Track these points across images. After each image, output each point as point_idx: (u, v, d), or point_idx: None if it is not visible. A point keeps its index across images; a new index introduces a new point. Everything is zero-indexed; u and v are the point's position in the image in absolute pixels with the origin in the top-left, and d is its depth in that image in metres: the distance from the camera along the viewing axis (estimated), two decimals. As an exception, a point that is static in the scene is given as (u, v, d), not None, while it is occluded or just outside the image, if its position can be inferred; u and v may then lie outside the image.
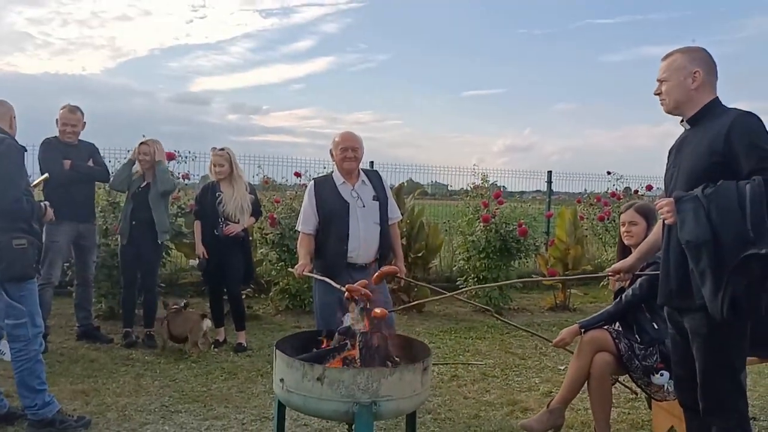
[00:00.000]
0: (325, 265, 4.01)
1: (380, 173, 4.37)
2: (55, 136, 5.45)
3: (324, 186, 4.13)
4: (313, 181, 4.27)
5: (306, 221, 4.11)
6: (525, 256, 7.92)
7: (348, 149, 4.04)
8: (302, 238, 4.14)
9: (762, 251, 2.27)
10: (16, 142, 3.67)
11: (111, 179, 5.73)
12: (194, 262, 5.82)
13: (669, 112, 2.74)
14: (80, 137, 5.56)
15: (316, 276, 3.91)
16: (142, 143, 5.60)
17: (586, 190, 11.56)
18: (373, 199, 4.10)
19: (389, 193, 4.28)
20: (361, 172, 4.18)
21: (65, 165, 5.25)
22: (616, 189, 10.14)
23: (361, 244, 4.00)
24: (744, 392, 2.60)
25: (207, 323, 5.43)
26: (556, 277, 7.73)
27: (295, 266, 4.02)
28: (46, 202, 3.78)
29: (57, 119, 5.44)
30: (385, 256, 4.16)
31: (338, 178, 4.10)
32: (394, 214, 4.26)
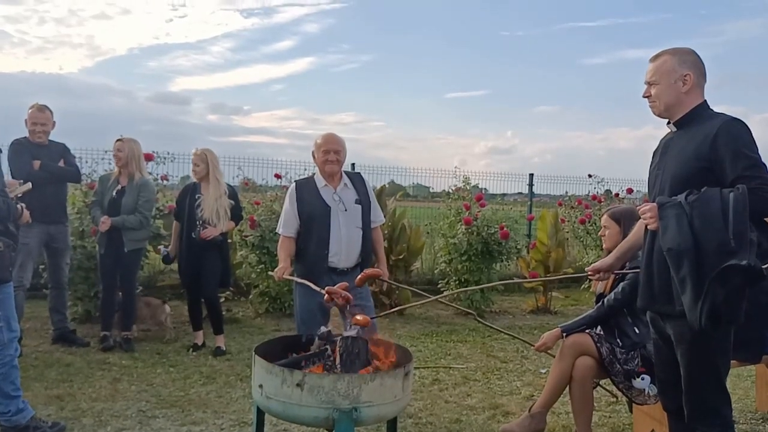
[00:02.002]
0: (305, 270, 3.95)
1: (363, 175, 4.31)
2: (25, 137, 5.33)
3: (305, 188, 4.07)
4: (294, 183, 4.21)
5: (287, 224, 4.05)
6: (506, 259, 7.92)
7: (330, 152, 3.99)
8: (282, 240, 4.08)
9: (743, 263, 2.25)
10: None
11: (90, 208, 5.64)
12: (161, 248, 5.77)
13: (659, 115, 2.72)
14: (54, 137, 5.46)
15: (296, 279, 3.86)
16: (117, 140, 5.51)
17: (567, 192, 11.62)
18: (356, 203, 4.05)
19: (373, 196, 4.23)
20: (344, 174, 4.13)
21: (34, 165, 5.15)
22: (597, 192, 10.19)
23: (343, 249, 3.96)
24: (728, 397, 2.61)
25: (168, 309, 5.71)
26: (538, 278, 7.75)
27: (275, 269, 3.95)
28: (22, 204, 3.70)
29: (26, 119, 5.33)
30: (367, 260, 4.11)
31: (320, 180, 4.05)
32: (377, 217, 4.22)
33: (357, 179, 4.19)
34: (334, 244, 3.94)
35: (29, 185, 4.18)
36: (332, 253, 3.94)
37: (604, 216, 3.84)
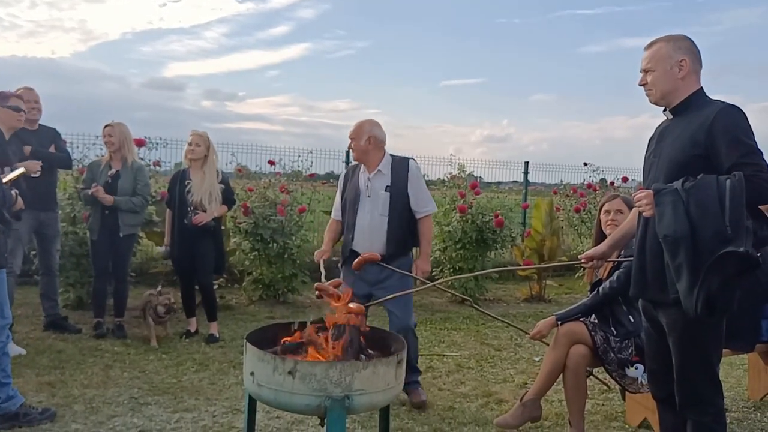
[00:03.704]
0: (342, 253, 4.12)
1: (412, 163, 4.17)
2: None
3: (353, 173, 4.22)
4: (348, 167, 4.40)
5: (335, 207, 4.27)
6: (501, 247, 7.92)
7: (350, 140, 4.12)
8: (329, 222, 4.29)
9: (739, 250, 2.23)
10: None
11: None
12: (161, 249, 5.71)
13: (655, 103, 2.69)
14: (45, 122, 5.39)
15: (321, 268, 3.78)
16: (106, 126, 5.45)
17: (562, 181, 11.60)
18: (385, 190, 4.02)
19: (416, 184, 4.09)
20: (386, 160, 4.11)
21: (24, 151, 5.08)
22: (593, 180, 10.18)
23: (365, 235, 3.99)
24: (720, 387, 2.61)
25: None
26: (532, 266, 7.75)
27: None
28: (16, 191, 3.66)
29: None
30: (400, 249, 4.04)
31: (362, 166, 4.16)
32: (423, 207, 4.10)
33: (400, 166, 4.10)
34: (357, 230, 4.01)
35: (22, 169, 4.14)
36: (356, 238, 4.01)
37: (617, 200, 3.75)
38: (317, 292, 3.16)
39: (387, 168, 4.08)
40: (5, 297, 3.55)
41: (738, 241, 2.26)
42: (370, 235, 4.00)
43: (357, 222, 4.02)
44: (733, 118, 2.46)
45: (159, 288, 5.49)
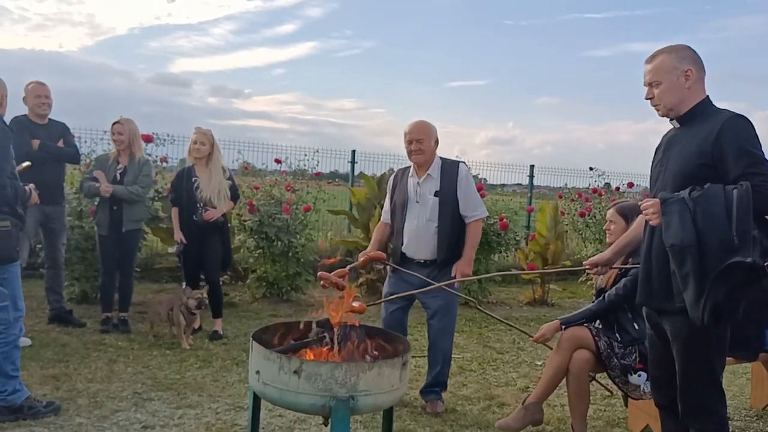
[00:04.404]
0: (392, 257, 4.13)
1: (463, 166, 4.11)
2: (24, 115, 5.28)
3: (402, 176, 4.17)
4: (395, 171, 4.33)
5: (385, 209, 4.24)
6: (505, 250, 7.92)
7: (413, 141, 3.97)
8: (378, 225, 4.30)
9: (747, 260, 2.24)
10: (5, 123, 3.57)
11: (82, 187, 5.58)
12: (172, 249, 5.70)
13: (664, 116, 2.67)
14: (53, 116, 5.41)
15: (352, 265, 3.89)
16: (115, 123, 5.46)
17: (566, 184, 11.60)
18: (434, 195, 3.97)
19: (467, 189, 4.02)
20: (436, 163, 4.03)
21: (33, 145, 5.10)
22: (597, 185, 10.17)
23: (413, 240, 4.00)
24: (723, 395, 2.61)
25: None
26: (536, 271, 7.75)
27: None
28: (32, 185, 3.69)
29: (24, 97, 5.28)
30: (451, 254, 4.01)
31: (411, 169, 4.10)
32: (472, 211, 4.03)
33: (450, 170, 4.02)
34: (406, 235, 4.01)
35: (29, 163, 4.16)
36: (405, 243, 4.02)
37: (611, 210, 3.81)
38: (322, 282, 3.21)
39: (437, 171, 4.01)
40: (19, 290, 3.59)
41: (745, 251, 2.26)
42: (418, 240, 3.98)
43: (405, 227, 4.01)
44: (740, 128, 2.46)
45: (184, 286, 5.53)
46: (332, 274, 3.37)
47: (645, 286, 2.66)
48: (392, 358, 2.63)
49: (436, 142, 4.05)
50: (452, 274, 3.99)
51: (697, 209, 2.33)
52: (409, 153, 4.01)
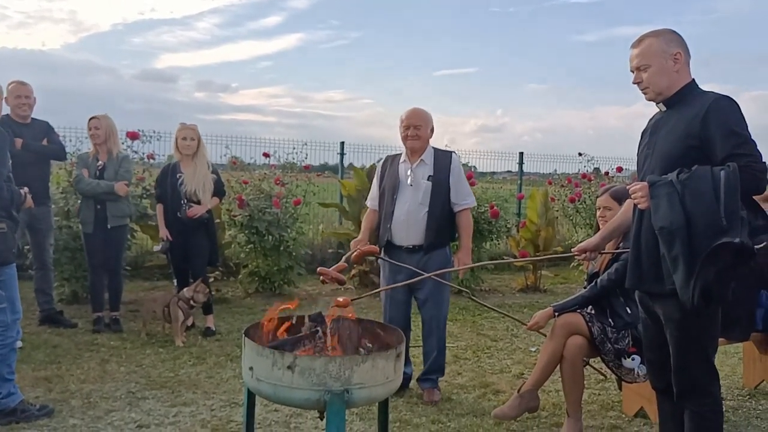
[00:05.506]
0: (378, 243, 4.09)
1: (456, 155, 4.17)
2: (6, 115, 5.22)
3: (392, 162, 4.17)
4: (384, 157, 4.32)
5: (371, 196, 4.23)
6: (497, 238, 7.93)
7: (410, 126, 4.00)
8: (366, 212, 4.25)
9: (735, 240, 2.24)
10: (0, 126, 3.54)
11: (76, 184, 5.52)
12: (158, 247, 5.66)
13: (653, 100, 2.66)
14: (36, 115, 5.36)
15: (347, 255, 3.90)
16: (92, 118, 5.42)
17: (556, 171, 11.61)
18: (427, 180, 3.99)
19: (458, 177, 4.06)
20: (429, 151, 4.07)
21: (16, 144, 5.05)
22: (587, 170, 10.19)
23: (402, 225, 3.98)
24: (717, 376, 2.62)
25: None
26: (527, 258, 7.75)
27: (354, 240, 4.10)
28: (26, 188, 3.66)
29: (5, 97, 5.20)
30: (439, 241, 4.03)
31: (404, 155, 4.10)
32: (463, 199, 4.07)
33: (443, 158, 4.07)
34: (395, 220, 3.99)
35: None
36: (393, 228, 3.99)
37: (604, 196, 3.74)
38: (321, 277, 3.22)
39: (430, 158, 4.05)
40: (16, 292, 3.57)
41: (733, 232, 2.27)
42: (408, 224, 3.97)
43: (395, 211, 3.98)
44: (727, 109, 2.46)
45: (175, 284, 5.57)
46: (331, 268, 3.37)
47: (635, 270, 2.67)
48: (386, 350, 2.62)
49: (432, 131, 4.09)
50: (453, 265, 4.07)
51: (686, 191, 2.34)
52: (405, 138, 4.03)
